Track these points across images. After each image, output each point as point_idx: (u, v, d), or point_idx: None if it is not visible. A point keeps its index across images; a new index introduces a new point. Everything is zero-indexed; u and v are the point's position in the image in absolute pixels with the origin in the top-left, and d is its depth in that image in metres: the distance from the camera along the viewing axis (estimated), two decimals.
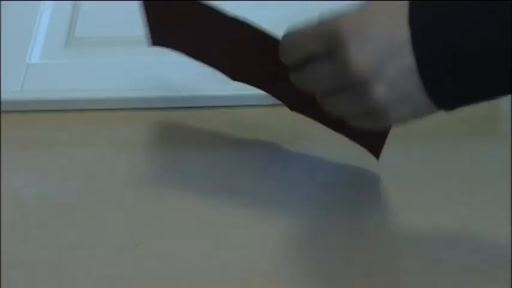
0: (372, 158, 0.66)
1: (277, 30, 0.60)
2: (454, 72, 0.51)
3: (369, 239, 0.63)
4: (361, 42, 0.51)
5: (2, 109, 0.74)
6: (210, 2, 0.62)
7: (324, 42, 0.54)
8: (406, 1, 0.51)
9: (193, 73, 0.74)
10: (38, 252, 0.64)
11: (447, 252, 0.62)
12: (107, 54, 0.78)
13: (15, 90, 0.75)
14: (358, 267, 0.62)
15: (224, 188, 0.68)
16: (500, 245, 0.62)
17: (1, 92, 0.74)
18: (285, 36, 0.57)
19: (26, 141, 0.72)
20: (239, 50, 0.63)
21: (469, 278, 0.61)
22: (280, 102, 0.67)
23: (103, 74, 0.76)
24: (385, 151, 0.66)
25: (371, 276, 0.61)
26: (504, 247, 0.62)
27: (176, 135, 0.72)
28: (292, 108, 0.66)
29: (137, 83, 0.75)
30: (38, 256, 0.64)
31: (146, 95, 0.74)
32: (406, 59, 0.51)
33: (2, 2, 0.82)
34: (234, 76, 0.67)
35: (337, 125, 0.63)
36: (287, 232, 0.64)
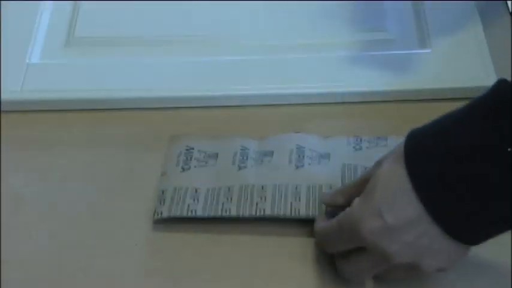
0: None
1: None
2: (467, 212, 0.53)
3: None
4: (390, 240, 0.54)
5: (2, 109, 0.74)
6: None
7: (353, 242, 0.57)
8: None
9: (193, 73, 0.74)
10: (38, 252, 0.64)
11: None
12: (107, 54, 0.78)
13: (15, 90, 0.75)
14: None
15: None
16: (500, 245, 0.62)
17: (1, 92, 0.74)
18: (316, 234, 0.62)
19: (26, 141, 0.72)
20: None
21: (469, 278, 0.61)
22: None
23: (103, 74, 0.76)
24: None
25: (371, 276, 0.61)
26: (504, 247, 0.62)
27: (176, 134, 0.72)
28: None
29: (137, 83, 0.75)
30: (38, 256, 0.64)
31: (146, 95, 0.74)
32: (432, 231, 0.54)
33: (2, 2, 0.82)
34: None
35: None
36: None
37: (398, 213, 0.53)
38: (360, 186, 0.58)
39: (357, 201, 0.56)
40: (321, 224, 0.61)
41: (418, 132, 0.55)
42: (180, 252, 0.64)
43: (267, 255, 0.63)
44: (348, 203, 0.59)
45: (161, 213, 0.64)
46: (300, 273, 0.62)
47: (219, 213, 0.64)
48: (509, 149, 0.50)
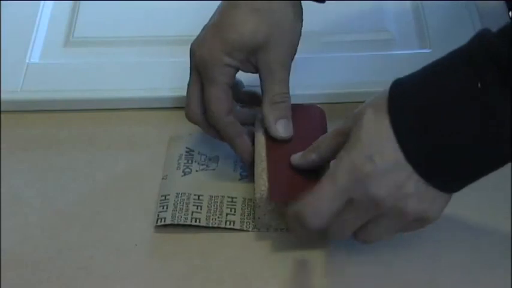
0: None
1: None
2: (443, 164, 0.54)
3: None
4: (377, 181, 0.55)
5: (2, 109, 0.74)
6: None
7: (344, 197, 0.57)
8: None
9: None
10: (38, 252, 0.64)
11: (447, 252, 0.62)
12: (106, 54, 0.78)
13: (15, 90, 0.75)
14: (359, 266, 0.62)
15: None
16: (500, 245, 0.62)
17: (1, 92, 0.74)
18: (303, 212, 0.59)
19: (26, 141, 0.72)
20: None
21: (469, 277, 0.61)
22: None
23: (103, 74, 0.76)
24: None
25: (372, 276, 0.61)
26: (504, 247, 0.62)
27: (176, 135, 0.72)
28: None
29: (137, 83, 0.75)
30: (38, 256, 0.64)
31: (146, 95, 0.74)
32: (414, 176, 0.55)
33: (2, 2, 0.82)
34: None
35: None
36: None
37: (386, 157, 0.54)
38: (334, 139, 0.59)
39: (342, 153, 0.57)
40: (308, 197, 0.58)
41: (402, 81, 0.57)
42: (180, 252, 0.64)
43: (268, 255, 0.63)
44: (322, 160, 0.61)
45: (164, 220, 0.64)
46: (301, 276, 0.62)
47: (223, 224, 0.64)
48: (479, 85, 0.52)
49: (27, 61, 0.77)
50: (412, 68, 0.75)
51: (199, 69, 0.65)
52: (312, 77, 0.75)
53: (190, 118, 0.67)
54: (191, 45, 0.66)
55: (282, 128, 0.66)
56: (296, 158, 0.63)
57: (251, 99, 0.70)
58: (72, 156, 0.71)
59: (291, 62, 0.67)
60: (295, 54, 0.67)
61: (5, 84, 0.75)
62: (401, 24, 0.79)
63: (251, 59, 0.65)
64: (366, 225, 0.58)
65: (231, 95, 0.66)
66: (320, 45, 0.78)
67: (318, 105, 0.69)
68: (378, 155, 0.55)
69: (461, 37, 0.76)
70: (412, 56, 0.76)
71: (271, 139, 0.66)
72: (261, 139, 0.66)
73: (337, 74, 0.75)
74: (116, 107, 0.74)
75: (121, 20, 0.81)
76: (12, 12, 0.81)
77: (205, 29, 0.66)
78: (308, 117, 0.66)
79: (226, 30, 0.64)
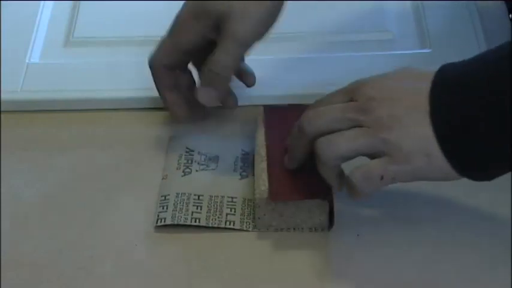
0: None
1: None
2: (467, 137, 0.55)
3: (369, 238, 0.64)
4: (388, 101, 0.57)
5: (2, 109, 0.74)
6: None
7: (348, 95, 0.60)
8: (431, 75, 0.57)
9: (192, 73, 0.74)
10: (38, 252, 0.64)
11: (447, 252, 0.62)
12: (106, 54, 0.78)
13: (15, 90, 0.75)
14: (359, 266, 0.62)
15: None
16: (500, 245, 0.62)
17: (1, 92, 0.74)
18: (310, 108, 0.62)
19: (26, 141, 0.72)
20: None
21: (469, 277, 0.61)
22: None
23: (103, 74, 0.76)
24: None
25: (371, 276, 0.61)
26: (504, 247, 0.62)
27: (176, 134, 0.72)
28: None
29: (137, 83, 0.75)
30: (38, 256, 0.64)
31: (146, 95, 0.74)
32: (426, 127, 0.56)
33: (2, 2, 0.82)
34: None
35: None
36: None
37: (408, 114, 0.56)
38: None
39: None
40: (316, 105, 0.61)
41: (450, 67, 0.58)
42: (180, 252, 0.64)
43: (268, 255, 0.63)
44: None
45: (164, 220, 0.64)
46: (301, 276, 0.62)
47: (223, 224, 0.64)
48: None
49: (27, 61, 0.77)
50: None
51: (172, 27, 0.68)
52: (312, 77, 0.75)
53: (152, 64, 0.69)
54: None
55: (205, 95, 0.67)
56: (320, 100, 0.63)
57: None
58: (72, 156, 0.71)
59: (251, 42, 0.67)
60: (260, 36, 0.67)
61: (5, 84, 0.75)
62: (401, 24, 0.79)
63: (218, 27, 0.66)
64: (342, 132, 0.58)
65: (182, 58, 0.69)
66: (320, 45, 0.78)
67: None
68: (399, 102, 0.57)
69: (461, 37, 0.77)
70: (412, 56, 0.76)
71: (271, 139, 0.66)
72: (261, 139, 0.66)
73: (337, 74, 0.75)
74: (115, 107, 0.74)
75: (121, 20, 0.81)
76: (12, 12, 0.81)
77: None
78: None
79: None
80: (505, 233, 0.63)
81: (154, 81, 0.70)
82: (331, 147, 0.58)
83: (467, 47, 0.76)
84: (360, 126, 0.57)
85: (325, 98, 0.62)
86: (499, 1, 0.81)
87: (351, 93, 0.59)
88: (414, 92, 0.57)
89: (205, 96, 0.67)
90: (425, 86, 0.56)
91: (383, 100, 0.57)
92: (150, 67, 0.69)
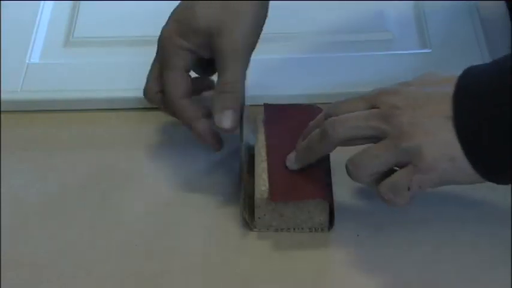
0: None
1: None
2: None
3: (369, 238, 0.64)
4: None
5: (2, 109, 0.74)
6: None
7: (370, 102, 0.60)
8: (455, 79, 0.57)
9: (192, 73, 0.74)
10: (38, 252, 0.64)
11: (447, 252, 0.62)
12: (106, 54, 0.78)
13: (15, 90, 0.75)
14: (359, 266, 0.62)
15: (226, 186, 0.68)
16: (500, 245, 0.62)
17: (1, 92, 0.74)
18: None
19: (26, 141, 0.72)
20: None
21: (469, 277, 0.61)
22: None
23: (103, 74, 0.76)
24: None
25: (371, 276, 0.61)
26: (504, 247, 0.62)
27: (176, 135, 0.72)
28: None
29: (137, 83, 0.74)
30: (38, 256, 0.64)
31: None
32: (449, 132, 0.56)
33: (2, 2, 0.82)
34: None
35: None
36: None
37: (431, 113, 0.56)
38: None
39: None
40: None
41: (475, 70, 0.57)
42: (180, 252, 0.64)
43: (268, 255, 0.63)
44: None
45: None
46: (299, 275, 0.62)
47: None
48: None
49: (27, 61, 0.77)
50: (412, 68, 0.75)
51: (159, 51, 0.67)
52: (312, 77, 0.75)
53: (146, 95, 0.68)
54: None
55: (226, 120, 0.65)
56: (291, 160, 0.63)
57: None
58: (72, 156, 0.71)
59: (249, 52, 0.66)
60: (254, 44, 0.67)
61: (5, 84, 0.75)
62: (401, 24, 0.79)
63: (209, 44, 0.65)
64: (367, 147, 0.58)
65: (188, 79, 0.66)
66: (320, 45, 0.78)
67: (318, 106, 0.69)
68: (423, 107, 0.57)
69: (461, 37, 0.77)
70: (412, 56, 0.76)
71: (271, 139, 0.66)
72: (261, 139, 0.66)
73: (337, 74, 0.75)
74: (116, 107, 0.74)
75: (121, 20, 0.81)
76: (12, 12, 0.81)
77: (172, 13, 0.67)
78: (307, 117, 0.66)
79: (183, 13, 0.66)
80: (505, 233, 0.63)
81: (179, 117, 0.67)
82: (359, 171, 0.59)
83: (467, 47, 0.76)
84: (383, 135, 0.57)
85: (346, 102, 0.61)
86: (499, 1, 0.81)
87: (374, 101, 0.59)
88: (437, 97, 0.57)
89: (227, 121, 0.65)
90: (449, 91, 0.56)
91: (406, 107, 0.57)
92: (169, 106, 0.66)
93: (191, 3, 0.66)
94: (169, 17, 0.67)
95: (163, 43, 0.66)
